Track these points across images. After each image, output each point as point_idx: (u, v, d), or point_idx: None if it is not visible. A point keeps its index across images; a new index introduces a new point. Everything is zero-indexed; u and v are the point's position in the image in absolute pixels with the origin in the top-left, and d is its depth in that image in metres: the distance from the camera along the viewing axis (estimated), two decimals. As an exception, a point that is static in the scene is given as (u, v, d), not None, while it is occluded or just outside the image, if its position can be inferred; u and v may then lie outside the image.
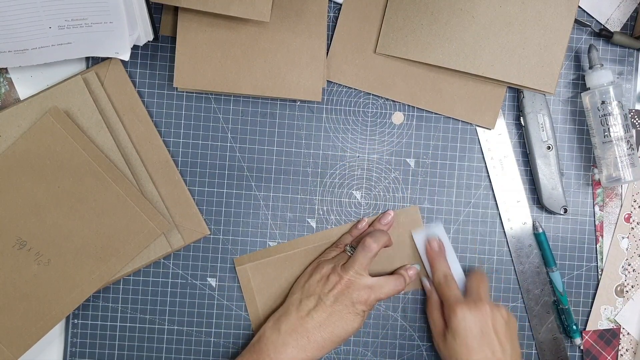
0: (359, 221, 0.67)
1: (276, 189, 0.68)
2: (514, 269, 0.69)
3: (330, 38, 0.67)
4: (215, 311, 0.68)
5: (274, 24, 0.65)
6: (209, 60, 0.64)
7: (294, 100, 0.68)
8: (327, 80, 0.67)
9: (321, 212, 0.68)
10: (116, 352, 0.67)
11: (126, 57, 0.61)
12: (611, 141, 0.65)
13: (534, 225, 0.68)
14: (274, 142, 0.68)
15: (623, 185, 0.69)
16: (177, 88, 0.67)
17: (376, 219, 0.67)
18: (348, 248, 0.65)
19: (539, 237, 0.68)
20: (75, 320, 0.67)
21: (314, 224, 0.68)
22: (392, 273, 0.66)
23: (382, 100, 0.68)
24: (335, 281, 0.61)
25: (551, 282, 0.68)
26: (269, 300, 0.66)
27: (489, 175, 0.69)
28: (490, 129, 0.69)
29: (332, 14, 0.67)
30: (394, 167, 0.69)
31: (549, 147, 0.67)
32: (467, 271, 0.67)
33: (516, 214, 0.69)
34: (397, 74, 0.67)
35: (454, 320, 0.60)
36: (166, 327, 0.67)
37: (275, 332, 0.61)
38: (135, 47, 0.65)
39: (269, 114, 0.68)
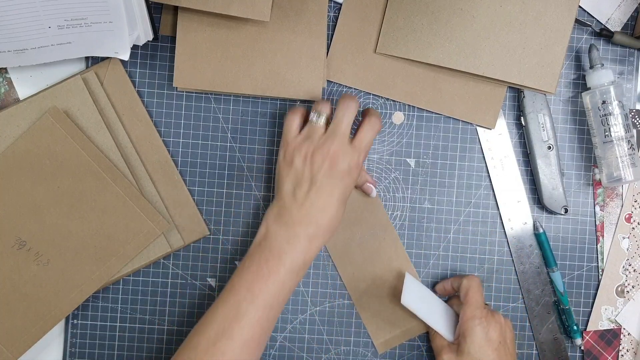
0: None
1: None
2: (515, 269, 0.69)
3: (330, 38, 0.67)
4: (215, 311, 0.68)
5: (274, 24, 0.65)
6: (209, 60, 0.64)
7: (294, 100, 0.68)
8: (327, 80, 0.67)
9: (321, 212, 0.68)
10: (116, 352, 0.67)
11: (126, 57, 0.61)
12: (612, 141, 0.65)
13: (534, 225, 0.68)
14: (274, 142, 0.68)
15: (624, 185, 0.69)
16: (176, 88, 0.67)
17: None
18: (315, 117, 0.59)
19: (539, 237, 0.68)
20: (75, 320, 0.67)
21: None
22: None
23: (382, 100, 0.68)
24: (322, 158, 0.57)
25: (552, 282, 0.68)
26: None
27: (489, 175, 0.69)
28: (490, 129, 0.68)
29: (332, 14, 0.67)
30: (394, 167, 0.68)
31: (549, 147, 0.67)
32: (462, 274, 0.67)
33: (517, 214, 0.69)
34: (397, 74, 0.67)
35: (477, 332, 0.60)
36: (166, 327, 0.67)
37: (283, 227, 0.58)
38: (135, 47, 0.65)
39: (269, 114, 0.68)
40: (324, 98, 0.64)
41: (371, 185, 0.66)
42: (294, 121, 0.61)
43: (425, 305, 0.64)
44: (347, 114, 0.59)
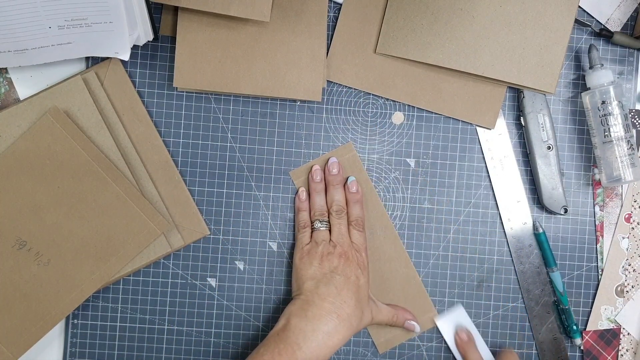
0: (298, 193, 0.67)
1: (276, 189, 0.68)
2: (514, 269, 0.69)
3: (330, 38, 0.67)
4: (215, 311, 0.68)
5: (274, 24, 0.65)
6: (209, 60, 0.64)
7: (294, 100, 0.68)
8: (327, 80, 0.67)
9: (321, 212, 0.68)
10: (116, 352, 0.67)
11: (126, 57, 0.61)
12: (611, 141, 0.65)
13: (534, 225, 0.68)
14: (274, 142, 0.68)
15: (623, 185, 0.69)
16: (177, 88, 0.67)
17: (325, 170, 0.67)
18: (318, 225, 0.65)
19: (539, 237, 0.68)
20: (75, 320, 0.67)
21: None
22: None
23: (382, 100, 0.68)
24: (337, 257, 0.63)
25: (551, 282, 0.68)
26: None
27: (489, 175, 0.69)
28: (490, 129, 0.69)
29: (332, 14, 0.67)
30: (394, 167, 0.69)
31: (549, 147, 0.67)
32: (496, 350, 0.68)
33: (516, 214, 0.69)
34: (397, 74, 0.67)
35: None
36: (166, 327, 0.67)
37: (303, 320, 0.60)
38: (135, 47, 0.65)
39: (269, 114, 0.68)
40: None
41: (413, 322, 0.67)
42: (304, 237, 0.66)
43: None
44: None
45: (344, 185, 0.66)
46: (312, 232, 0.66)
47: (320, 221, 0.65)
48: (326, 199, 0.66)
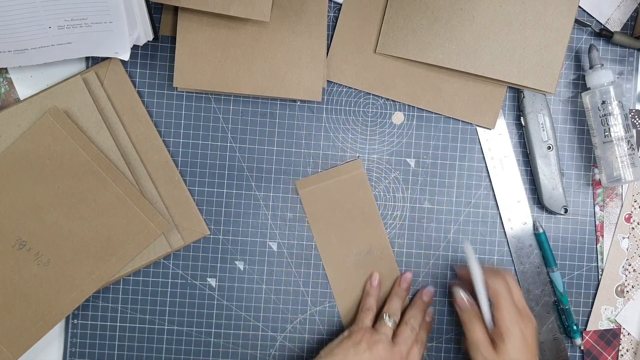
0: (372, 277, 0.67)
1: (276, 189, 0.68)
2: (515, 269, 0.69)
3: (330, 38, 0.67)
4: (215, 311, 0.68)
5: (274, 24, 0.65)
6: (209, 60, 0.64)
7: (294, 100, 0.68)
8: (327, 80, 0.67)
9: (321, 212, 0.68)
10: (116, 352, 0.67)
11: (126, 57, 0.61)
12: (611, 141, 0.65)
13: (534, 225, 0.68)
14: (274, 142, 0.68)
15: (623, 185, 0.69)
16: (177, 88, 0.67)
17: (395, 283, 0.67)
18: (387, 319, 0.64)
19: (539, 237, 0.68)
20: (75, 320, 0.67)
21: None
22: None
23: (382, 100, 0.68)
24: (391, 355, 0.62)
25: (551, 282, 0.68)
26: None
27: (489, 175, 0.69)
28: (490, 129, 0.69)
29: (332, 14, 0.67)
30: (394, 167, 0.69)
31: (549, 147, 0.67)
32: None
33: (516, 214, 0.69)
34: (397, 74, 0.67)
35: (514, 333, 0.60)
36: (166, 327, 0.67)
37: None
38: (135, 47, 0.65)
39: (269, 114, 0.68)
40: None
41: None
42: (367, 320, 0.65)
43: (478, 279, 0.63)
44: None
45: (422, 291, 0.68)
46: (376, 319, 0.65)
47: (390, 317, 0.64)
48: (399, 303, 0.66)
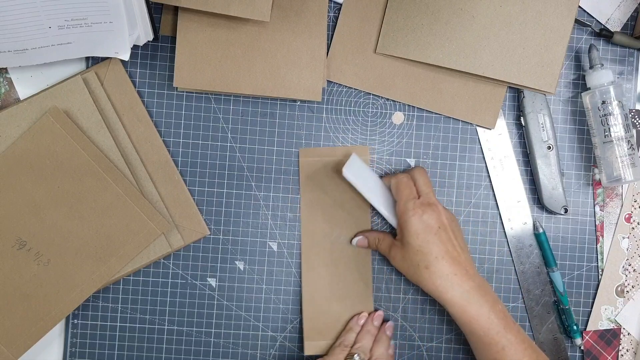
0: (360, 315, 0.67)
1: (276, 189, 0.68)
2: (515, 269, 0.69)
3: (330, 38, 0.67)
4: (215, 311, 0.68)
5: (274, 24, 0.65)
6: (209, 60, 0.64)
7: (294, 100, 0.68)
8: (327, 80, 0.67)
9: (321, 212, 0.68)
10: (116, 352, 0.67)
11: (126, 57, 0.61)
12: (612, 141, 0.65)
13: (534, 225, 0.68)
14: (274, 142, 0.68)
15: (623, 185, 0.69)
16: (177, 88, 0.67)
17: (368, 319, 0.67)
18: (357, 358, 0.63)
19: (539, 237, 0.68)
20: (75, 320, 0.67)
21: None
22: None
23: (382, 100, 0.68)
24: None
25: (552, 282, 0.68)
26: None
27: (489, 175, 0.69)
28: (490, 129, 0.69)
29: (332, 14, 0.67)
30: (394, 167, 0.68)
31: (549, 147, 0.67)
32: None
33: (516, 214, 0.69)
34: (397, 74, 0.67)
35: (412, 222, 0.60)
36: (166, 327, 0.67)
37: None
38: (135, 47, 0.65)
39: (269, 114, 0.68)
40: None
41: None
42: (340, 356, 0.65)
43: (369, 184, 0.63)
44: None
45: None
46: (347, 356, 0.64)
47: (359, 356, 0.64)
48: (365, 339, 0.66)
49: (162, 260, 0.67)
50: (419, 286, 0.61)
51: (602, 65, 0.66)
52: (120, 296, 0.67)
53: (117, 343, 0.67)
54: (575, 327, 0.68)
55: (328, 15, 0.67)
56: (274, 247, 0.68)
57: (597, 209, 0.69)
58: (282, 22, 0.65)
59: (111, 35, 0.58)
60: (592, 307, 0.69)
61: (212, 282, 0.68)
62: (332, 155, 0.67)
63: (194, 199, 0.67)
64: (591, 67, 0.66)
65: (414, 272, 0.60)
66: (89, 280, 0.63)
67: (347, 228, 0.67)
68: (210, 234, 0.67)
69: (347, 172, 0.62)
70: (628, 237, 0.69)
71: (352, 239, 0.67)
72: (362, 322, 0.67)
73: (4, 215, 0.62)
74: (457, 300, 0.59)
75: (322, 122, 0.68)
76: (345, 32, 0.67)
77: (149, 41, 0.63)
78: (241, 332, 0.68)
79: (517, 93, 0.68)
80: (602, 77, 0.65)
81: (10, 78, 0.66)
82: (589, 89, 0.66)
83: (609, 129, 0.65)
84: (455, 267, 0.59)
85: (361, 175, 0.63)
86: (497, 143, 0.69)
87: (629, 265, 0.69)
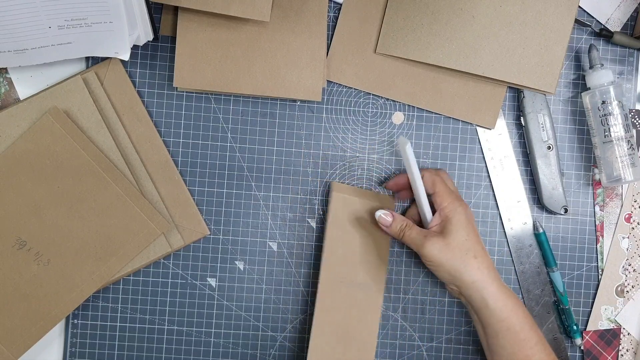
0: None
1: (276, 189, 0.68)
2: (515, 269, 0.69)
3: (330, 38, 0.67)
4: (215, 311, 0.68)
5: (274, 24, 0.65)
6: (209, 60, 0.64)
7: (294, 100, 0.68)
8: (327, 80, 0.67)
9: (321, 212, 0.68)
10: (116, 352, 0.67)
11: (126, 57, 0.61)
12: (611, 141, 0.65)
13: (534, 225, 0.68)
14: (274, 142, 0.68)
15: (623, 185, 0.69)
16: (177, 88, 0.67)
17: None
18: None
19: (539, 237, 0.68)
20: (75, 320, 0.67)
21: (313, 224, 0.68)
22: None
23: (382, 100, 0.68)
24: None
25: (551, 282, 0.68)
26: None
27: (489, 175, 0.69)
28: (490, 129, 0.69)
29: (332, 14, 0.67)
30: (394, 167, 0.68)
31: (549, 147, 0.67)
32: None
33: (516, 214, 0.69)
34: (397, 74, 0.67)
35: (461, 213, 0.61)
36: (166, 327, 0.67)
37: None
38: (135, 47, 0.65)
39: (269, 114, 0.68)
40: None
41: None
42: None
43: (414, 170, 0.62)
44: None
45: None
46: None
47: None
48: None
49: (162, 260, 0.67)
50: (459, 277, 0.59)
51: (602, 65, 0.66)
52: (120, 296, 0.67)
53: (117, 343, 0.67)
54: (575, 327, 0.68)
55: (328, 15, 0.67)
56: (274, 247, 0.68)
57: (597, 209, 0.69)
58: (282, 22, 0.65)
59: (111, 35, 0.58)
60: (592, 307, 0.69)
61: (212, 282, 0.68)
62: (363, 196, 0.66)
63: (194, 199, 0.67)
64: (591, 67, 0.66)
65: (460, 261, 0.59)
66: (89, 280, 0.63)
67: (364, 273, 0.66)
68: (210, 234, 0.67)
69: (409, 150, 0.61)
70: (628, 237, 0.69)
71: (377, 211, 0.64)
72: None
73: (4, 215, 0.62)
74: (500, 294, 0.59)
75: (322, 122, 0.68)
76: (345, 32, 0.67)
77: (149, 41, 0.63)
78: (241, 332, 0.68)
79: (517, 93, 0.68)
80: (602, 77, 0.65)
81: (10, 78, 0.66)
82: (589, 89, 0.66)
83: (609, 129, 0.65)
84: (492, 262, 0.61)
85: (413, 159, 0.62)
86: (497, 143, 0.69)
87: (629, 265, 0.69)
